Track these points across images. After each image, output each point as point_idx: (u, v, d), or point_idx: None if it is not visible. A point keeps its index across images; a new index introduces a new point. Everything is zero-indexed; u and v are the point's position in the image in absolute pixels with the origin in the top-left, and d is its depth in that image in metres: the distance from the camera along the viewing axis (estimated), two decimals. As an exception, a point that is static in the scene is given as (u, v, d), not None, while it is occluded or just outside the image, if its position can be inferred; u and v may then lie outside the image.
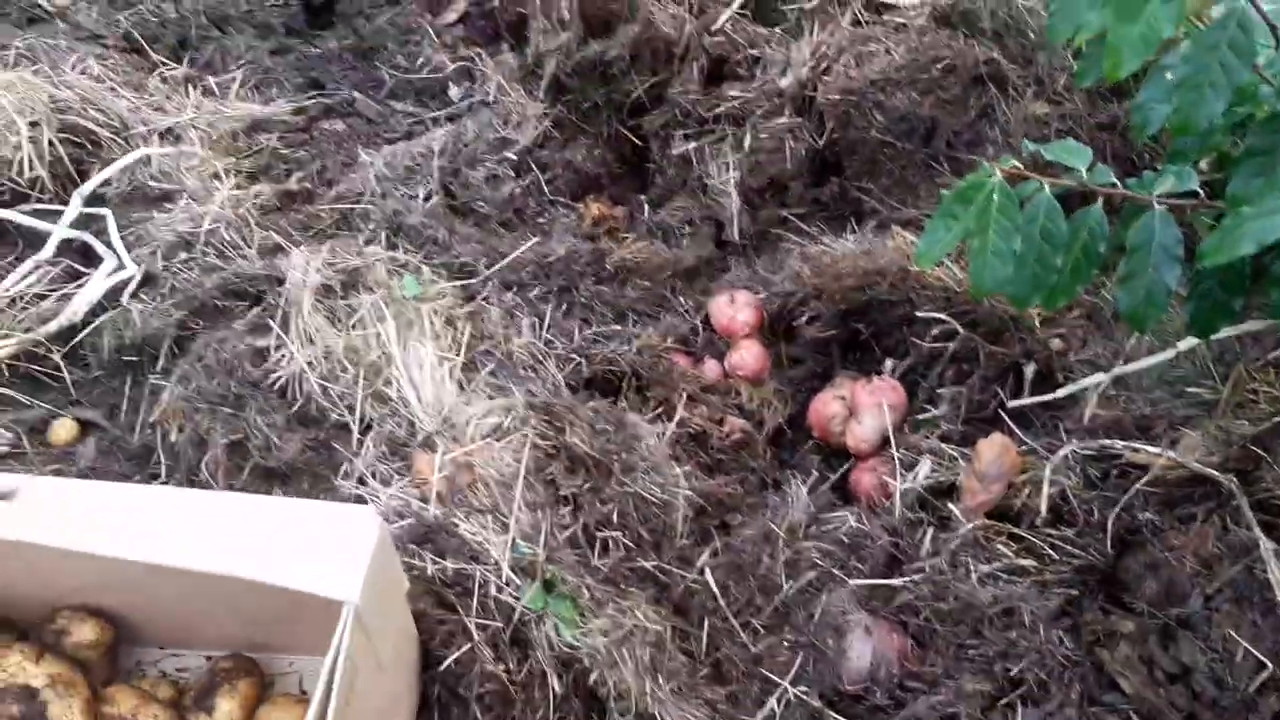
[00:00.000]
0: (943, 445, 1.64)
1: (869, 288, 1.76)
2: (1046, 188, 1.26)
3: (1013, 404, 1.68)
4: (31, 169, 1.95)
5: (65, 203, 1.94)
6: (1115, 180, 1.29)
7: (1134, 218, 1.27)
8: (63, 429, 1.71)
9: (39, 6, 2.37)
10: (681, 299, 1.92)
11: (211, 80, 2.24)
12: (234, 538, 1.11)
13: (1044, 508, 1.52)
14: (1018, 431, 1.64)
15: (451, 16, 2.41)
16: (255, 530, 1.12)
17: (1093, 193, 1.28)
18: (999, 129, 1.83)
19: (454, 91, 2.28)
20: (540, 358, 1.71)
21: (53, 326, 1.73)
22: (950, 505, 1.56)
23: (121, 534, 1.11)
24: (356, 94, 2.27)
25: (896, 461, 1.62)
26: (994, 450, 1.57)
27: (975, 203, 1.26)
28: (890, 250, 1.80)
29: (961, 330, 1.70)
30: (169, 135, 2.08)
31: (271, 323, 1.67)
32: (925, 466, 1.61)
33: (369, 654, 1.10)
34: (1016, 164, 1.27)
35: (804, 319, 1.82)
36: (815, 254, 1.84)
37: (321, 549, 1.09)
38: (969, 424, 1.69)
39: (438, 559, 1.36)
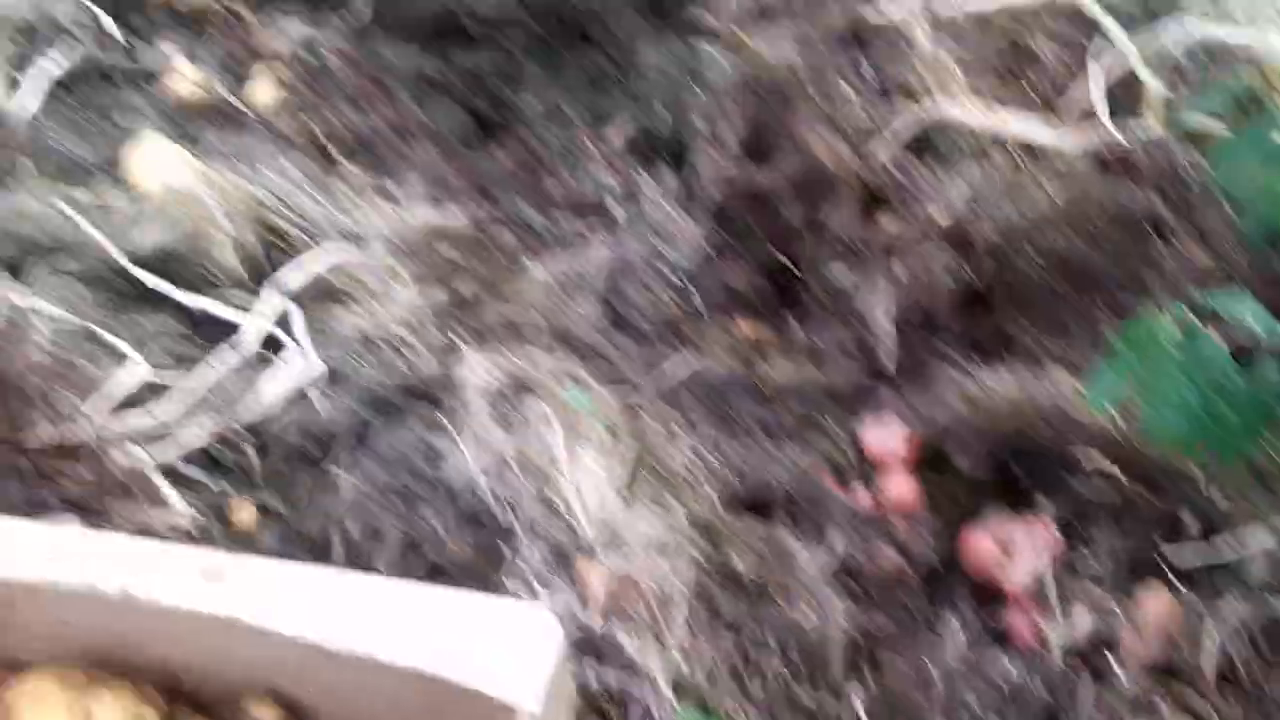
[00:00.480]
0: (1101, 593, 1.62)
1: (1027, 428, 1.77)
2: (1218, 339, 1.27)
3: (1174, 557, 1.66)
4: (229, 263, 2.10)
5: (257, 295, 2.08)
6: (1289, 336, 1.30)
7: (1312, 375, 1.27)
8: (244, 513, 1.81)
9: (242, 113, 2.56)
10: (833, 425, 1.95)
11: (392, 186, 2.38)
12: (419, 630, 1.15)
13: (1207, 668, 1.49)
14: (1179, 586, 1.62)
15: (617, 139, 2.52)
16: (439, 624, 1.17)
17: (1267, 347, 1.29)
18: (1161, 277, 1.84)
19: (616, 209, 2.37)
20: (697, 475, 1.76)
21: (249, 417, 1.84)
22: (1108, 655, 1.54)
23: (317, 619, 1.17)
24: (524, 206, 2.39)
25: (1054, 607, 1.62)
26: (1156, 604, 1.55)
27: (1147, 350, 1.28)
28: (1048, 390, 1.81)
29: (1123, 477, 1.69)
30: (353, 237, 2.21)
31: (445, 423, 1.76)
32: (1082, 615, 1.60)
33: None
34: (1191, 315, 1.29)
35: (958, 454, 1.83)
36: (971, 389, 1.86)
37: (503, 650, 1.13)
38: (1129, 573, 1.67)
39: (597, 671, 1.40)
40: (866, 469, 1.90)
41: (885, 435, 1.88)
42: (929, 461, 1.89)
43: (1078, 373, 1.86)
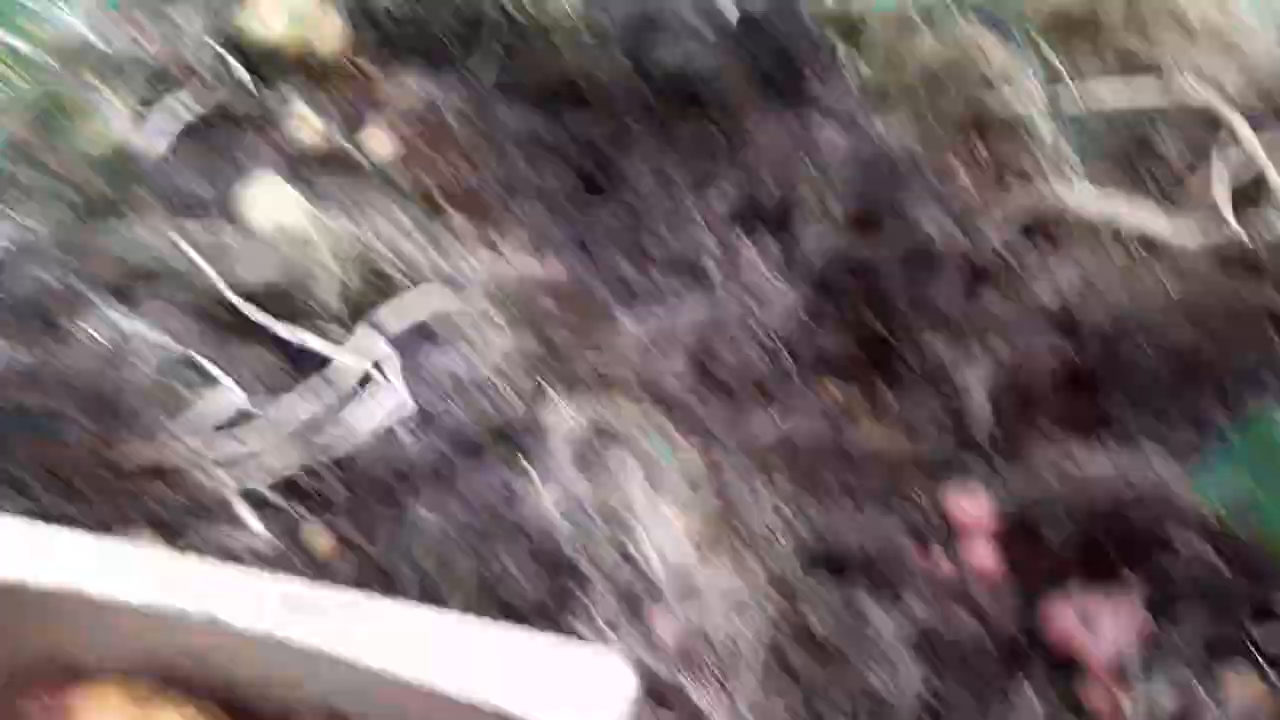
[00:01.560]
0: (1185, 673, 1.56)
1: (1119, 507, 1.71)
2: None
3: (1264, 641, 1.58)
4: (331, 301, 2.17)
5: (353, 332, 2.14)
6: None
7: None
8: (323, 543, 1.84)
9: (358, 161, 2.65)
10: (919, 492, 1.92)
11: (495, 236, 2.44)
12: (488, 666, 1.16)
13: (1303, 766, 1.42)
14: (1267, 669, 1.55)
15: (720, 204, 2.55)
16: (509, 662, 1.17)
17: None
18: (1275, 376, 1.79)
19: (712, 269, 2.39)
20: (776, 534, 1.74)
21: (336, 450, 1.88)
22: (1197, 745, 1.48)
23: (386, 648, 1.18)
24: (622, 261, 2.42)
25: (1135, 685, 1.55)
26: (1243, 688, 1.48)
27: (1263, 445, 1.24)
28: (1145, 472, 1.75)
29: (1219, 563, 1.63)
30: (453, 283, 2.27)
31: (528, 466, 1.77)
32: (1165, 693, 1.53)
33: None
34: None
35: (1046, 526, 1.78)
36: (1064, 465, 1.81)
37: (575, 693, 1.13)
38: (1215, 656, 1.60)
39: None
40: (950, 536, 1.85)
41: (973, 505, 1.84)
42: (1015, 533, 1.84)
43: (1178, 459, 1.81)
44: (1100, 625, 1.64)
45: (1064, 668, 1.71)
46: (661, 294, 2.35)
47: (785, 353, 2.18)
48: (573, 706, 1.12)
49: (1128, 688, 1.57)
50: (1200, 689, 1.52)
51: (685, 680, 1.42)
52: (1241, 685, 1.48)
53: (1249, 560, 1.64)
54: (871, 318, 2.24)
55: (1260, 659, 1.57)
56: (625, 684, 1.14)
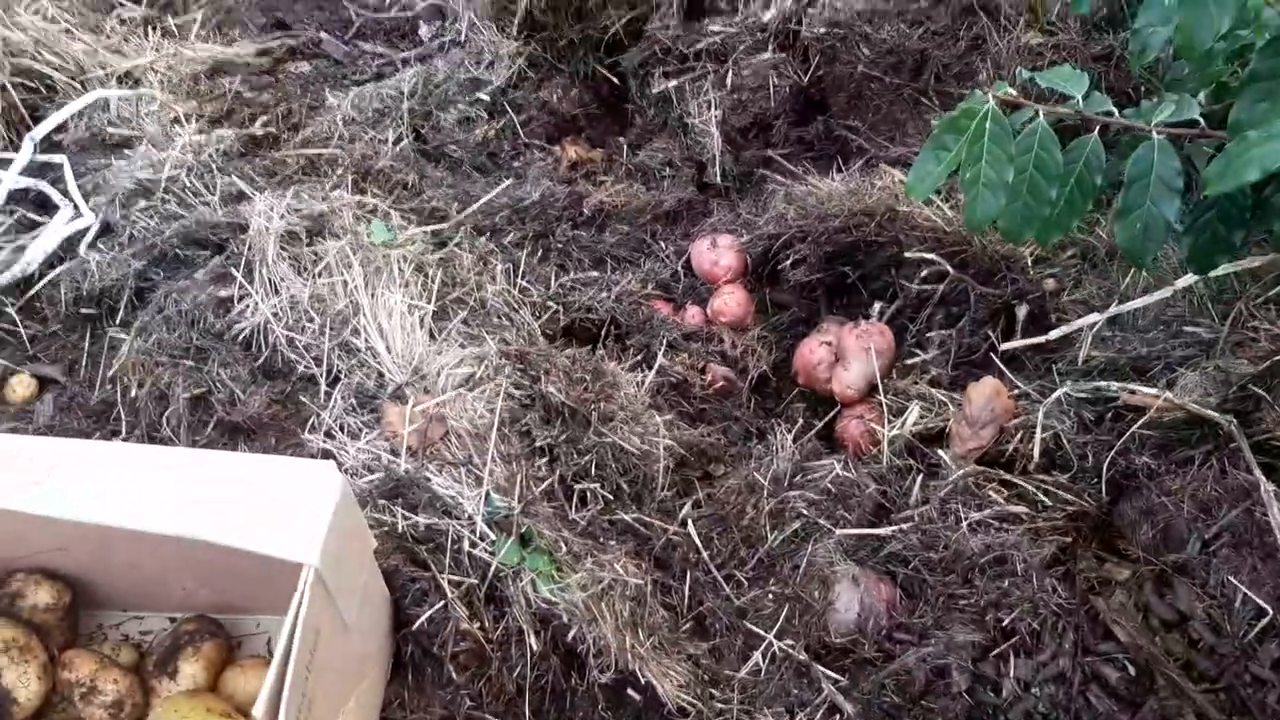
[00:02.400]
0: (932, 390, 1.58)
1: (856, 229, 1.69)
2: (1041, 115, 1.20)
3: (1004, 347, 1.62)
4: (-16, 114, 1.88)
5: (18, 149, 1.86)
6: (1112, 109, 1.23)
7: (1131, 149, 1.21)
8: (20, 386, 1.65)
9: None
10: (662, 244, 1.86)
11: (171, 21, 2.15)
12: (193, 497, 1.05)
13: (1036, 453, 1.47)
14: (1010, 375, 1.59)
15: (421, -47, 2.32)
16: (214, 489, 1.06)
17: (1089, 122, 1.22)
18: (990, 61, 1.76)
19: (424, 30, 2.19)
20: (515, 305, 1.65)
21: (6, 278, 1.66)
22: (940, 452, 1.51)
23: (79, 495, 1.05)
24: (323, 34, 2.19)
25: (884, 407, 1.57)
26: (985, 394, 1.51)
27: (968, 132, 1.20)
28: (878, 189, 1.73)
29: (952, 271, 1.63)
30: (127, 79, 2.00)
31: (235, 272, 1.60)
32: (914, 412, 1.56)
33: (332, 615, 1.05)
34: (1010, 91, 1.21)
35: (789, 263, 1.75)
36: (800, 195, 1.77)
37: (282, 508, 1.03)
38: (959, 368, 1.63)
39: (409, 514, 1.31)
40: (698, 286, 1.81)
41: (715, 250, 1.79)
42: (760, 274, 1.81)
43: (909, 170, 1.79)
44: (848, 356, 1.64)
45: (817, 402, 1.73)
46: (374, 66, 2.14)
47: (513, 113, 2.03)
48: (283, 523, 1.03)
49: (877, 412, 1.59)
50: (947, 402, 1.54)
51: (430, 472, 1.34)
52: (984, 391, 1.50)
53: (982, 267, 1.65)
54: (596, 64, 2.11)
55: (1001, 364, 1.61)
56: (332, 491, 1.04)
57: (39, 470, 1.05)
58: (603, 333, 1.69)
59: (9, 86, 1.91)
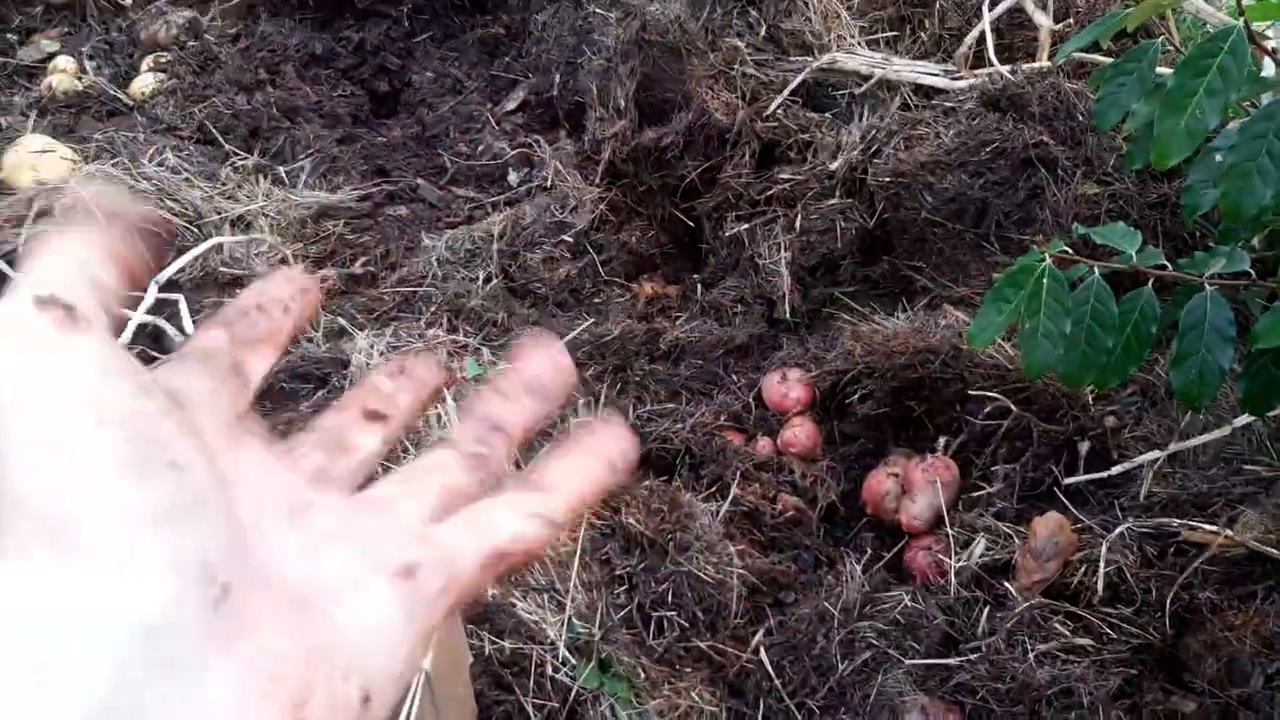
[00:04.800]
0: (997, 523, 1.63)
1: (921, 365, 1.77)
2: (1096, 271, 1.27)
3: (1068, 481, 1.67)
4: (111, 257, 2.04)
5: (142, 289, 2.03)
6: (1165, 261, 1.30)
7: (1185, 298, 1.28)
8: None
9: (118, 100, 2.49)
10: (734, 377, 1.95)
11: (281, 169, 2.33)
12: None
13: (1101, 586, 1.51)
14: (1072, 509, 1.63)
15: (511, 105, 2.49)
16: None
17: (1143, 274, 1.29)
18: (1049, 209, 1.85)
19: (513, 177, 2.35)
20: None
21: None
22: (1006, 584, 1.55)
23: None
24: (420, 180, 2.35)
25: (951, 539, 1.62)
26: (1049, 527, 1.56)
27: (1026, 286, 1.28)
28: (942, 328, 1.81)
29: (1015, 408, 1.70)
30: (240, 223, 2.17)
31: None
32: (980, 544, 1.61)
33: (432, 724, 1.11)
34: (1066, 248, 1.29)
35: (856, 396, 1.83)
36: (867, 332, 1.85)
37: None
38: (1024, 501, 1.68)
39: (495, 639, 1.38)
40: (769, 418, 1.89)
41: (785, 384, 1.88)
42: (828, 406, 1.89)
43: (972, 311, 1.87)
44: (915, 488, 1.70)
45: (885, 533, 1.79)
46: (466, 210, 2.30)
47: (594, 253, 2.16)
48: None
49: (944, 544, 1.64)
50: (1012, 534, 1.60)
51: (515, 598, 1.42)
52: (1048, 525, 1.55)
53: (1045, 406, 1.71)
54: (673, 208, 2.25)
55: (1064, 499, 1.66)
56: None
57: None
58: (678, 463, 1.77)
59: (135, 231, 2.08)
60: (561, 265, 2.13)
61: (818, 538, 1.73)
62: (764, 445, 1.84)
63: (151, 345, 1.97)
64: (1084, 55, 2.03)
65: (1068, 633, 1.49)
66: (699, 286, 2.16)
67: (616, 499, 1.54)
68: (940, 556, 1.63)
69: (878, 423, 1.85)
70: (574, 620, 1.40)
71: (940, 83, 2.06)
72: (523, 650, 1.38)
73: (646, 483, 1.63)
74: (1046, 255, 1.27)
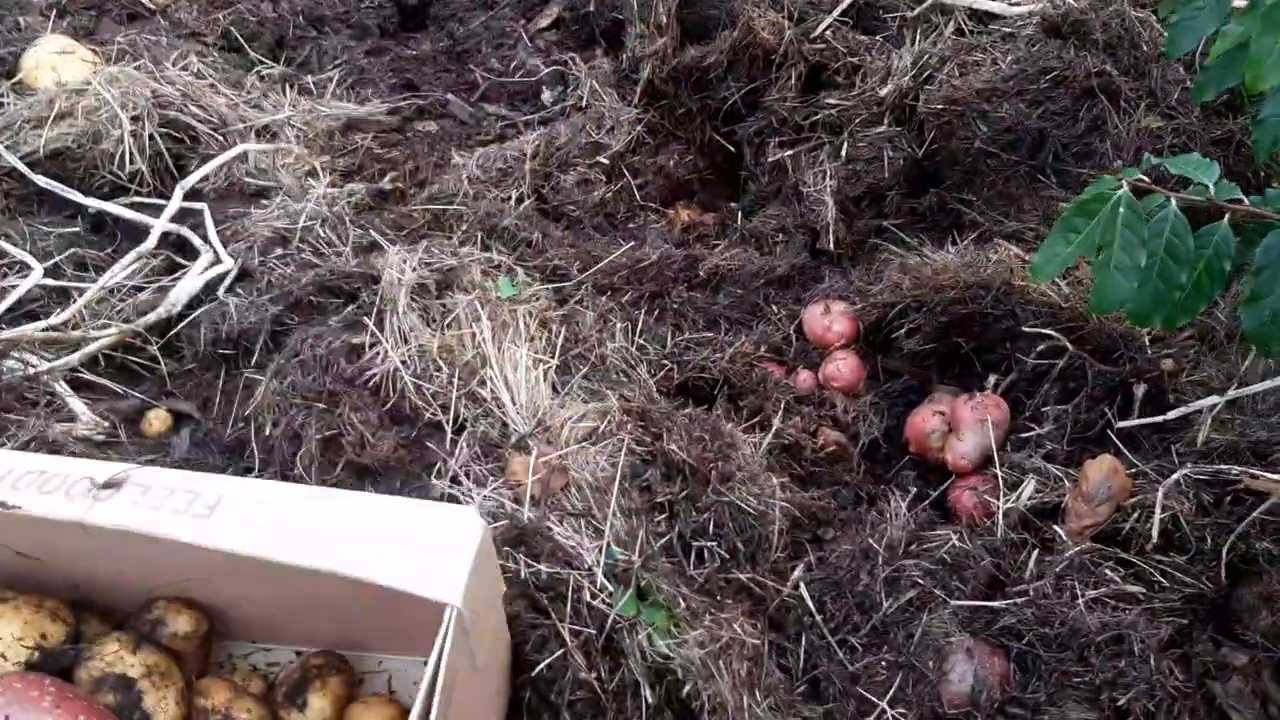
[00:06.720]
0: (1047, 465, 1.58)
1: (971, 301, 1.71)
2: (1173, 202, 1.21)
3: (1121, 425, 1.62)
4: (132, 162, 1.98)
5: (163, 196, 1.96)
6: (1241, 196, 1.24)
7: (1257, 236, 1.22)
8: (156, 420, 1.72)
9: (140, 4, 2.41)
10: (774, 307, 1.89)
11: (308, 79, 2.26)
12: (335, 534, 1.09)
13: (1155, 533, 1.46)
14: (1126, 453, 1.58)
15: (545, 21, 2.41)
16: (356, 527, 1.10)
17: (1219, 209, 1.23)
18: (1109, 142, 1.78)
19: (546, 95, 2.27)
20: (632, 363, 1.69)
21: (151, 318, 1.74)
22: (1054, 527, 1.51)
23: (225, 527, 1.10)
24: (450, 96, 2.28)
25: (1000, 480, 1.58)
26: (1102, 471, 1.51)
27: (1099, 215, 1.22)
28: (993, 263, 1.75)
29: (1071, 348, 1.64)
30: (265, 133, 2.10)
31: (366, 320, 1.67)
32: (1029, 486, 1.56)
33: (467, 657, 1.08)
34: (1142, 176, 1.23)
35: (903, 331, 1.77)
36: (915, 265, 1.79)
37: (424, 549, 1.07)
38: (1074, 444, 1.63)
39: (531, 562, 1.34)
40: (810, 350, 1.84)
41: (829, 316, 1.82)
42: (872, 340, 1.83)
43: (1029, 244, 1.81)
44: (963, 427, 1.65)
45: (928, 472, 1.74)
46: (497, 128, 2.22)
47: (630, 176, 2.09)
48: (425, 566, 1.07)
49: (992, 484, 1.59)
50: (1063, 477, 1.55)
51: (551, 522, 1.38)
52: (1098, 466, 1.50)
53: (1100, 344, 1.65)
54: (713, 131, 2.17)
55: (1118, 442, 1.60)
56: (474, 534, 1.08)
57: (203, 504, 1.10)
58: (716, 393, 1.72)
59: (156, 137, 2.01)
60: (596, 188, 2.07)
61: (857, 474, 1.69)
62: (805, 378, 1.79)
63: (177, 254, 1.92)
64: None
65: (1118, 579, 1.45)
66: (739, 214, 2.09)
67: (658, 425, 1.49)
68: (987, 497, 1.58)
69: (923, 359, 1.79)
70: (612, 546, 1.36)
71: (997, 7, 1.98)
72: (559, 575, 1.33)
73: (687, 410, 1.58)
74: (1124, 182, 1.21)
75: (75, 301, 1.74)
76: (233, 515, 1.08)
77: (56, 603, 1.27)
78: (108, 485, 1.08)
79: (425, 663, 1.02)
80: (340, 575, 1.04)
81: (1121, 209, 1.20)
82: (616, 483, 1.41)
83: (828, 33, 2.04)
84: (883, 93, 1.96)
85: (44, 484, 1.15)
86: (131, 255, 1.80)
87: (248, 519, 1.08)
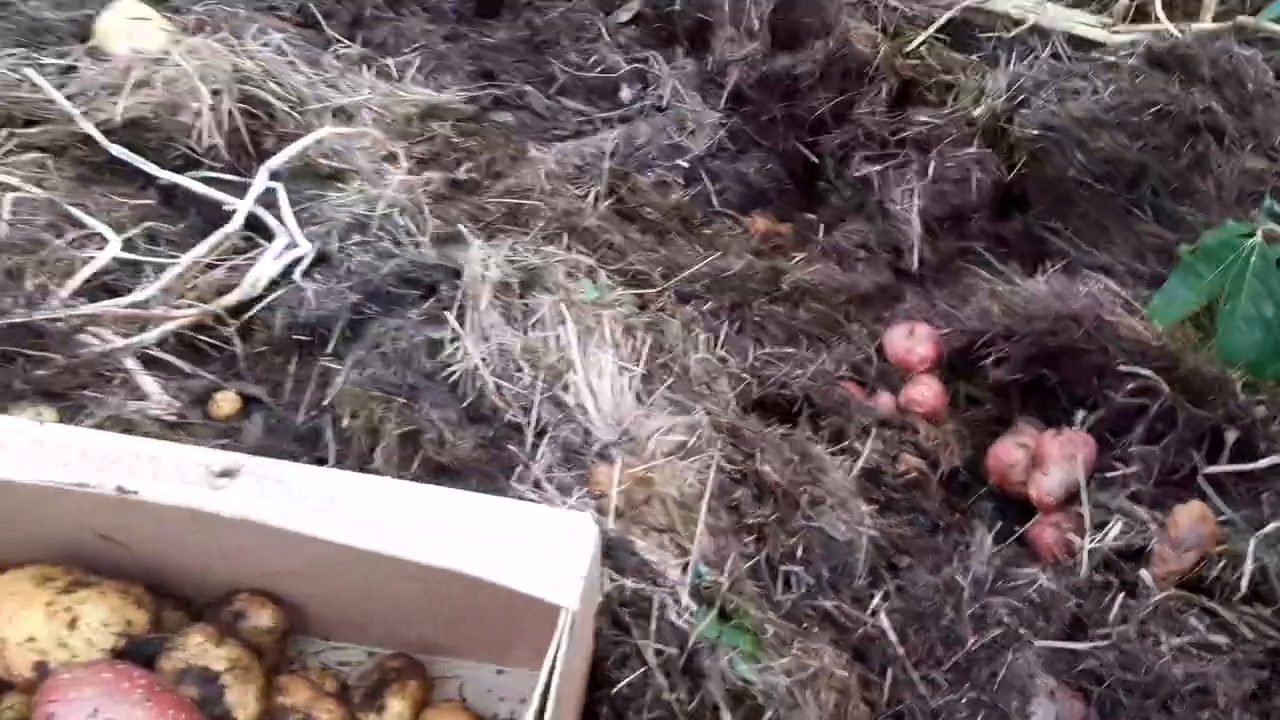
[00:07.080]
0: (1134, 506, 1.56)
1: (1062, 332, 1.68)
2: (1300, 250, 1.19)
3: (1209, 470, 1.59)
4: (210, 137, 1.95)
5: (237, 173, 1.94)
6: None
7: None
8: (225, 402, 1.69)
9: (221, -24, 2.38)
10: (856, 326, 1.87)
11: (388, 62, 2.23)
12: (453, 532, 1.07)
13: (1245, 583, 1.44)
14: (1214, 499, 1.56)
15: (625, 15, 2.38)
16: (472, 526, 1.08)
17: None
18: (1212, 181, 1.75)
19: (625, 93, 2.24)
20: (714, 375, 1.67)
21: (231, 299, 1.72)
22: (1140, 571, 1.49)
23: (345, 520, 1.08)
24: (528, 87, 2.25)
25: (1086, 518, 1.55)
26: (1192, 517, 1.49)
27: (1226, 262, 1.20)
28: (1083, 295, 1.72)
29: (1166, 388, 1.61)
30: (342, 114, 2.07)
31: (447, 315, 1.64)
32: (1116, 527, 1.54)
33: (571, 664, 1.06)
34: (1274, 227, 1.20)
35: (990, 360, 1.75)
36: (1005, 292, 1.77)
37: (540, 550, 1.05)
38: (1160, 486, 1.61)
39: (616, 576, 1.32)
40: (890, 373, 1.81)
41: (912, 339, 1.79)
42: (957, 367, 1.81)
43: (1119, 279, 1.78)
44: (1049, 462, 1.62)
45: (1008, 505, 1.72)
46: (574, 123, 2.20)
47: (709, 181, 2.07)
48: (537, 564, 1.05)
49: (1077, 523, 1.57)
50: (1150, 520, 1.52)
51: (635, 536, 1.35)
52: (1190, 515, 1.48)
53: (1192, 387, 1.62)
54: (797, 141, 2.14)
55: (1208, 487, 1.58)
56: (589, 538, 1.06)
57: (320, 497, 1.08)
58: (797, 411, 1.70)
59: (235, 112, 1.99)
60: (673, 190, 2.04)
61: (935, 502, 1.66)
62: (885, 401, 1.76)
63: (247, 232, 1.90)
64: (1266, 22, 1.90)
65: (1202, 628, 1.43)
66: (819, 227, 2.07)
67: (751, 445, 1.47)
68: (1070, 535, 1.56)
69: (1006, 389, 1.77)
70: (699, 565, 1.34)
71: (1097, 35, 1.95)
72: (643, 591, 1.31)
73: (780, 431, 1.56)
74: (1259, 230, 1.19)
75: (153, 277, 1.72)
76: (352, 509, 1.06)
77: (141, 589, 1.25)
78: (224, 474, 1.06)
79: (499, 671, 1.00)
80: (460, 574, 1.02)
81: (1254, 259, 1.18)
82: (705, 500, 1.39)
83: (922, 49, 2.01)
84: (975, 113, 1.94)
85: (156, 471, 1.13)
86: (218, 235, 1.78)
87: (367, 513, 1.06)
